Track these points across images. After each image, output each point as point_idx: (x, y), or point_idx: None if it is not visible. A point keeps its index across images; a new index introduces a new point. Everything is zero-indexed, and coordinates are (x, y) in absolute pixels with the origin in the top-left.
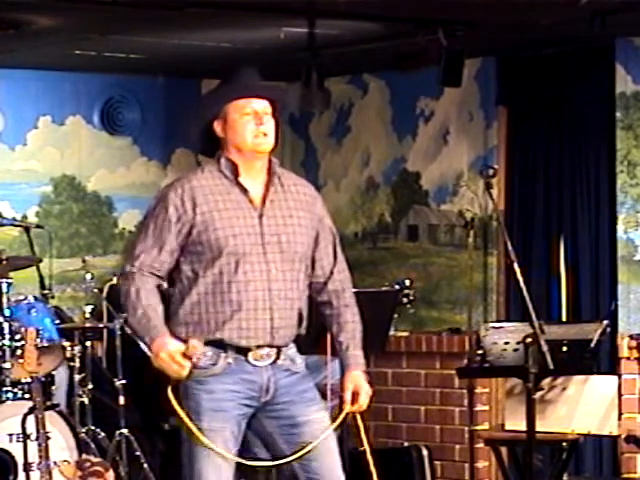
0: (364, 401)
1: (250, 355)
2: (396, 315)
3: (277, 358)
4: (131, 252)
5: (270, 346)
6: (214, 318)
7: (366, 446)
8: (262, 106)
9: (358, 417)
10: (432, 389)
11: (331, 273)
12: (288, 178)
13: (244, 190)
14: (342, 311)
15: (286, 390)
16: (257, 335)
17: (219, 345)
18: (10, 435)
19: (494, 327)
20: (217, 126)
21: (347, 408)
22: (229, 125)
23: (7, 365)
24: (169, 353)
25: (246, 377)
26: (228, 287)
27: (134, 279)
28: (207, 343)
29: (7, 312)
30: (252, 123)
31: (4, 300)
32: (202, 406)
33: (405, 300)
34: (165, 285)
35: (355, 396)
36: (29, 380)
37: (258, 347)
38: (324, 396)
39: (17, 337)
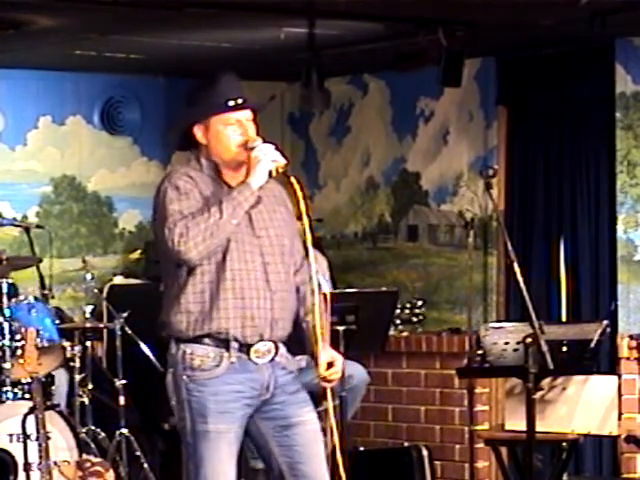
0: (339, 368)
1: (252, 352)
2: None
3: (275, 355)
4: (169, 226)
5: (269, 340)
6: (216, 306)
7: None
8: (245, 115)
9: (331, 415)
10: (432, 389)
11: (301, 265)
12: None
13: (229, 187)
14: (308, 295)
15: (282, 389)
16: (260, 325)
17: (221, 342)
18: (10, 435)
19: (494, 327)
20: (197, 131)
21: (325, 373)
22: (212, 134)
23: (7, 365)
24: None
25: (249, 376)
26: (231, 275)
27: (187, 217)
28: (209, 337)
29: (7, 312)
30: (237, 133)
31: (4, 300)
32: (207, 408)
33: (415, 320)
34: (163, 287)
35: (330, 365)
36: (29, 380)
37: (259, 341)
38: (322, 397)
39: (17, 337)
